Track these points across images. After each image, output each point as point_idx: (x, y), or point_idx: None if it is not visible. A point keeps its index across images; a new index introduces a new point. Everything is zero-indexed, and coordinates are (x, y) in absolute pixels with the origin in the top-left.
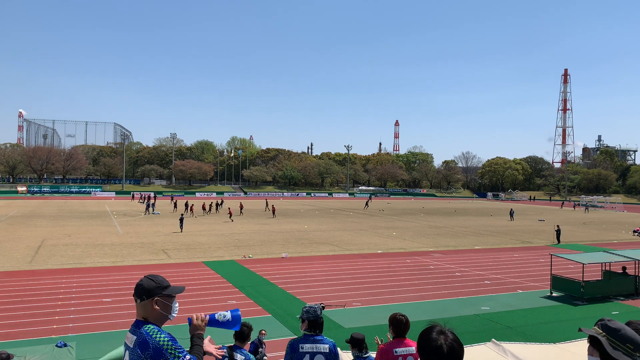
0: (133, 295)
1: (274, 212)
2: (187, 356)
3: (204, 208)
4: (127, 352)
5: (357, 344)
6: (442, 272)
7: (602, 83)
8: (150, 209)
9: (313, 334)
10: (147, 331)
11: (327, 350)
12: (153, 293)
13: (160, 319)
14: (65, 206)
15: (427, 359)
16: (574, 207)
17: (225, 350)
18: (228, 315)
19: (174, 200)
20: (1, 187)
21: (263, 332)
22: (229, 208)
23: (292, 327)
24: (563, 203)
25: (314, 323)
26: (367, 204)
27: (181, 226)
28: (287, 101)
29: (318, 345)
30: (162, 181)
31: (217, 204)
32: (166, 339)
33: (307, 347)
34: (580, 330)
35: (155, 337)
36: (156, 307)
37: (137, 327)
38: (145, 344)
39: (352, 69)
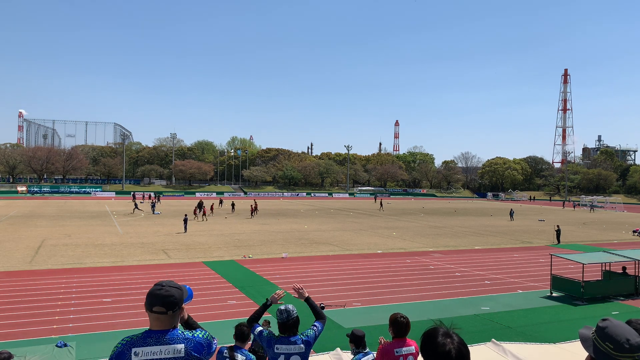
0: (158, 307)
1: (252, 213)
2: (214, 338)
3: (212, 209)
4: None
5: (356, 340)
6: (442, 272)
7: (602, 83)
8: (137, 208)
9: (287, 336)
10: (190, 335)
11: (303, 350)
12: (182, 301)
13: (179, 321)
14: (65, 206)
15: None
16: (574, 207)
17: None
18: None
19: (156, 200)
20: (1, 187)
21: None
22: (204, 207)
23: None
24: (564, 203)
25: (283, 325)
26: (381, 204)
27: (185, 227)
28: (287, 101)
29: (293, 346)
30: (162, 181)
31: (232, 204)
32: (204, 332)
33: (282, 348)
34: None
35: (201, 335)
36: (182, 313)
37: (173, 336)
38: (200, 345)
39: (352, 69)
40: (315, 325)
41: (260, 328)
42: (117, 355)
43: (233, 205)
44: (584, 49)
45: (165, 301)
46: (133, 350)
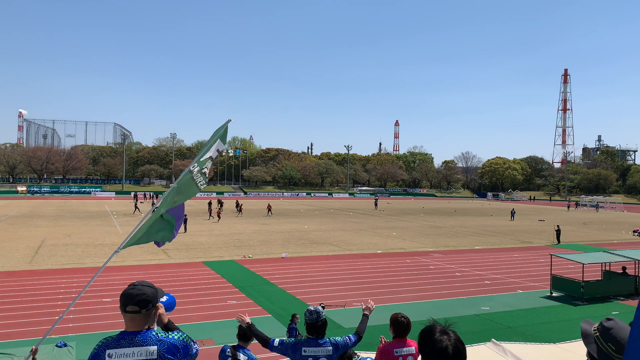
0: (130, 306)
1: (210, 213)
2: (194, 342)
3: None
4: None
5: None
6: (442, 272)
7: (602, 83)
8: (137, 208)
9: (315, 338)
10: (165, 336)
11: (330, 352)
12: (156, 300)
13: (155, 322)
14: (65, 206)
15: None
16: (568, 207)
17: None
18: (165, 299)
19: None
20: (1, 187)
21: (297, 316)
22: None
23: None
24: (570, 204)
25: (311, 326)
26: (376, 204)
27: (185, 227)
28: (287, 101)
29: (320, 348)
30: (162, 181)
31: (236, 204)
32: (181, 334)
33: (310, 350)
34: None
35: (176, 337)
36: (157, 313)
37: (145, 337)
38: (175, 347)
39: (352, 69)
40: (349, 337)
41: (277, 340)
42: (92, 357)
43: (238, 204)
44: (584, 49)
45: (138, 299)
46: (107, 352)
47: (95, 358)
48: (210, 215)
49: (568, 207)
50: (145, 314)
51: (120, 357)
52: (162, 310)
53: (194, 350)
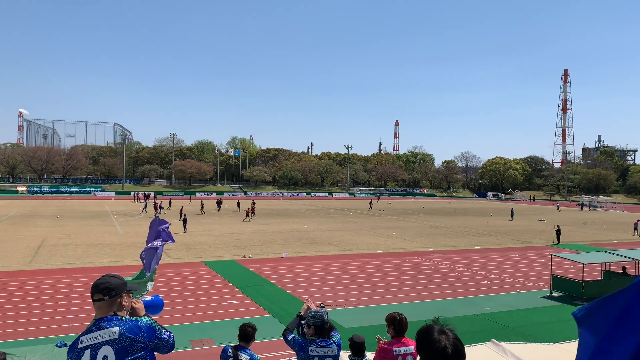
0: (96, 294)
1: (249, 213)
2: (166, 330)
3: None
4: (104, 348)
5: (356, 347)
6: (442, 272)
7: (602, 83)
8: (145, 210)
9: (321, 339)
10: (127, 318)
11: (336, 352)
12: (121, 289)
13: (123, 312)
14: (65, 206)
15: None
16: (558, 207)
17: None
18: (149, 298)
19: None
20: (1, 187)
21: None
22: (159, 203)
23: None
24: (559, 204)
25: (320, 329)
26: (370, 204)
27: (185, 227)
28: (287, 101)
29: (326, 349)
30: (162, 181)
31: (237, 204)
32: (149, 319)
33: (316, 350)
34: None
35: (140, 319)
36: (123, 302)
37: (109, 321)
38: (136, 327)
39: (352, 69)
40: (337, 334)
41: (292, 335)
42: (70, 346)
43: (238, 204)
44: (584, 49)
45: (101, 287)
46: (80, 339)
47: (72, 346)
48: (251, 214)
49: (558, 207)
50: (109, 302)
51: (89, 341)
52: (138, 305)
53: (164, 335)
